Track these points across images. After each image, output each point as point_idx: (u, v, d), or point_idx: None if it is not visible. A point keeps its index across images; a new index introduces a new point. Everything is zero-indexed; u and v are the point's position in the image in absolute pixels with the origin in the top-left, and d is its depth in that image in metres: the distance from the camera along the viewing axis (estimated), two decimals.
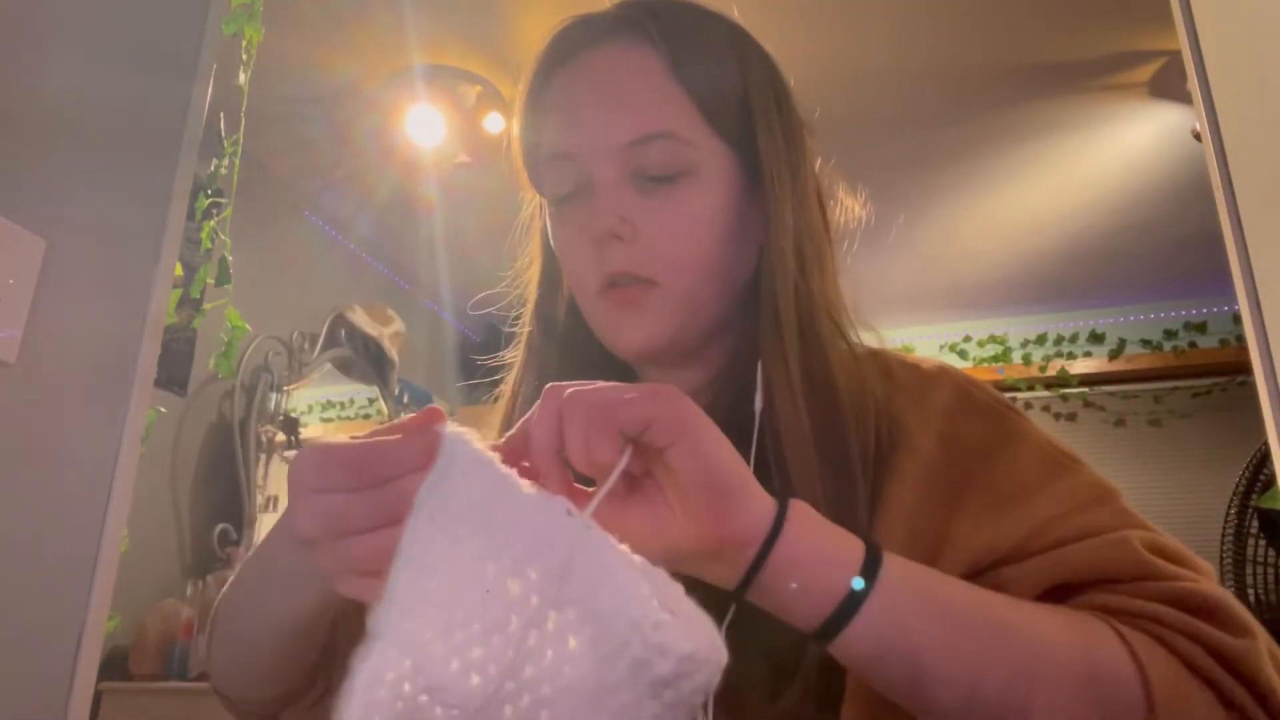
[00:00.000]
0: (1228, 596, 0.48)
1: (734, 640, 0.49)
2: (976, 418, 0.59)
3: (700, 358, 0.66)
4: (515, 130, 0.70)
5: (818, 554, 0.44)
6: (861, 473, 0.56)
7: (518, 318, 0.73)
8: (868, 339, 0.66)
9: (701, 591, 0.40)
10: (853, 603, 0.43)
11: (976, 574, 0.51)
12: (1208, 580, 0.50)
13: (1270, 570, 2.18)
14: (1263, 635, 0.47)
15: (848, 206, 0.72)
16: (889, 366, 0.63)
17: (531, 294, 0.72)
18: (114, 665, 2.20)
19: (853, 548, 0.45)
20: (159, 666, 2.24)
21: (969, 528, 0.52)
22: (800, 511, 0.45)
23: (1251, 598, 2.17)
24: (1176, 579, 0.49)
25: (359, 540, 0.40)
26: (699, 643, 0.35)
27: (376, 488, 0.40)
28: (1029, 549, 0.51)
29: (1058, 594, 0.51)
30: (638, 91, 0.62)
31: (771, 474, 0.55)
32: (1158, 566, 0.50)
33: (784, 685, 0.51)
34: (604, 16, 0.67)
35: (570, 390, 0.42)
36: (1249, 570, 2.18)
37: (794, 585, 0.43)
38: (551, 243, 0.69)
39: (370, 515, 0.40)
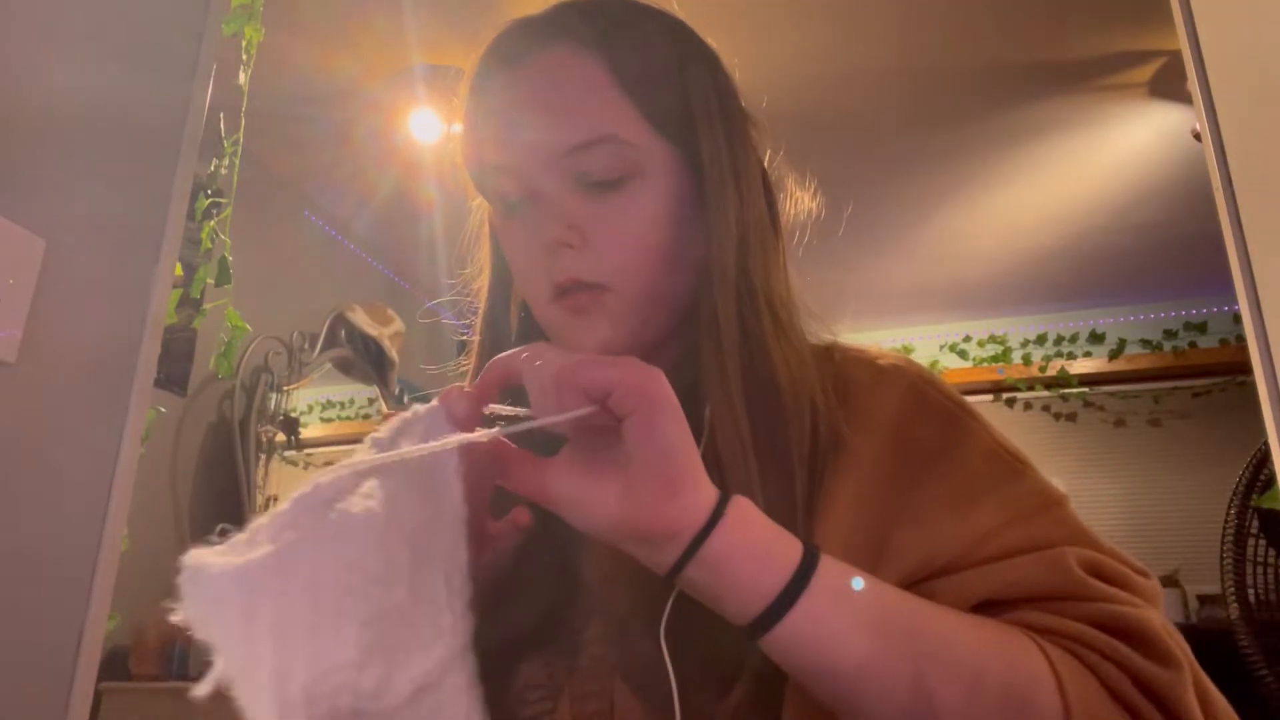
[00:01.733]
0: (1156, 623, 0.48)
1: (680, 639, 0.49)
2: (927, 419, 0.58)
3: (655, 360, 0.65)
4: (459, 140, 0.69)
5: (752, 551, 0.45)
6: (802, 475, 0.55)
7: (468, 326, 0.73)
8: (823, 333, 0.65)
9: (646, 584, 0.42)
10: (781, 605, 0.44)
11: (912, 584, 0.51)
12: (1146, 604, 0.49)
13: (1270, 570, 2.18)
14: (1189, 667, 0.47)
15: (797, 199, 0.71)
16: (842, 363, 0.62)
17: (482, 301, 0.71)
18: (114, 665, 2.20)
19: (790, 549, 0.46)
20: (159, 666, 2.24)
21: (909, 537, 0.52)
22: (741, 508, 0.46)
23: (1251, 598, 2.17)
24: (1109, 600, 0.49)
25: None
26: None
27: None
28: (964, 562, 0.51)
29: (989, 608, 0.50)
30: (577, 97, 0.61)
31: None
32: (1090, 587, 0.49)
33: (731, 684, 0.51)
34: (540, 19, 0.66)
35: (550, 346, 0.47)
36: (1249, 570, 2.18)
37: (724, 580, 0.44)
38: (502, 250, 0.68)
39: None
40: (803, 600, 0.44)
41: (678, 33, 0.67)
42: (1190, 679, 0.46)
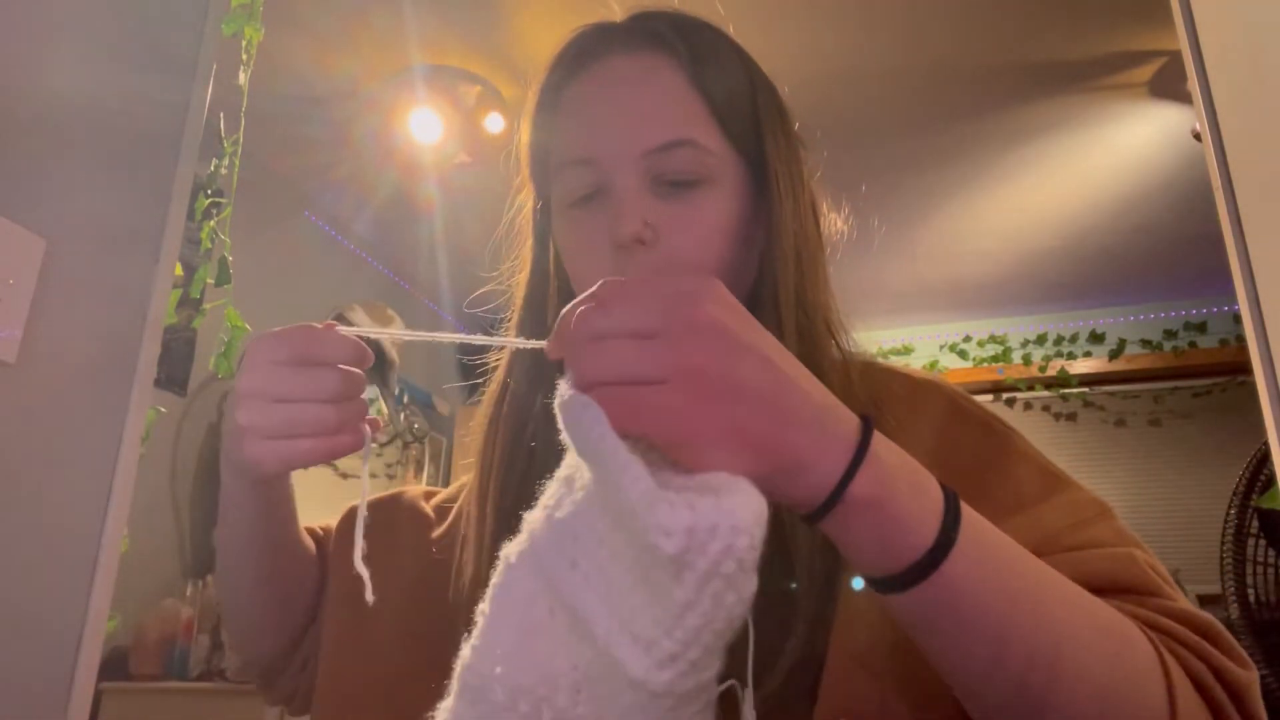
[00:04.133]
0: (1222, 625, 0.48)
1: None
2: (968, 429, 0.59)
3: None
4: (525, 133, 0.70)
5: (909, 481, 0.41)
6: None
7: (506, 319, 0.73)
8: (863, 346, 0.67)
9: None
10: (940, 548, 0.39)
11: None
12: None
13: (1270, 570, 2.18)
14: (1255, 672, 0.48)
15: (831, 219, 0.74)
16: (881, 377, 0.64)
17: (519, 297, 0.72)
18: (114, 665, 2.20)
19: (932, 481, 0.42)
20: (159, 666, 2.24)
21: None
22: (879, 436, 0.41)
23: (1251, 598, 2.17)
24: (1176, 600, 0.50)
25: (281, 407, 0.51)
26: (701, 514, 0.34)
27: (310, 367, 0.51)
28: (1039, 554, 0.51)
29: None
30: (660, 99, 0.63)
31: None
32: (1162, 585, 0.50)
33: (764, 673, 0.50)
34: (619, 26, 0.68)
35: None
36: (1249, 570, 2.18)
37: (885, 515, 0.39)
38: (559, 246, 0.69)
39: (296, 388, 0.51)
40: (955, 550, 0.40)
41: (743, 52, 0.70)
42: (1257, 683, 0.47)
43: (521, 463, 0.65)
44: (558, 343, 0.41)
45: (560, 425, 0.39)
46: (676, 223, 0.61)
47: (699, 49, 0.65)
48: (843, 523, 0.39)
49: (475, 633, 0.41)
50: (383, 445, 3.78)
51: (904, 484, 0.40)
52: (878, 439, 0.40)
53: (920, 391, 0.62)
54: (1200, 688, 0.45)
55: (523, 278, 0.72)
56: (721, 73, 0.65)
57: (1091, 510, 0.54)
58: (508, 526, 0.49)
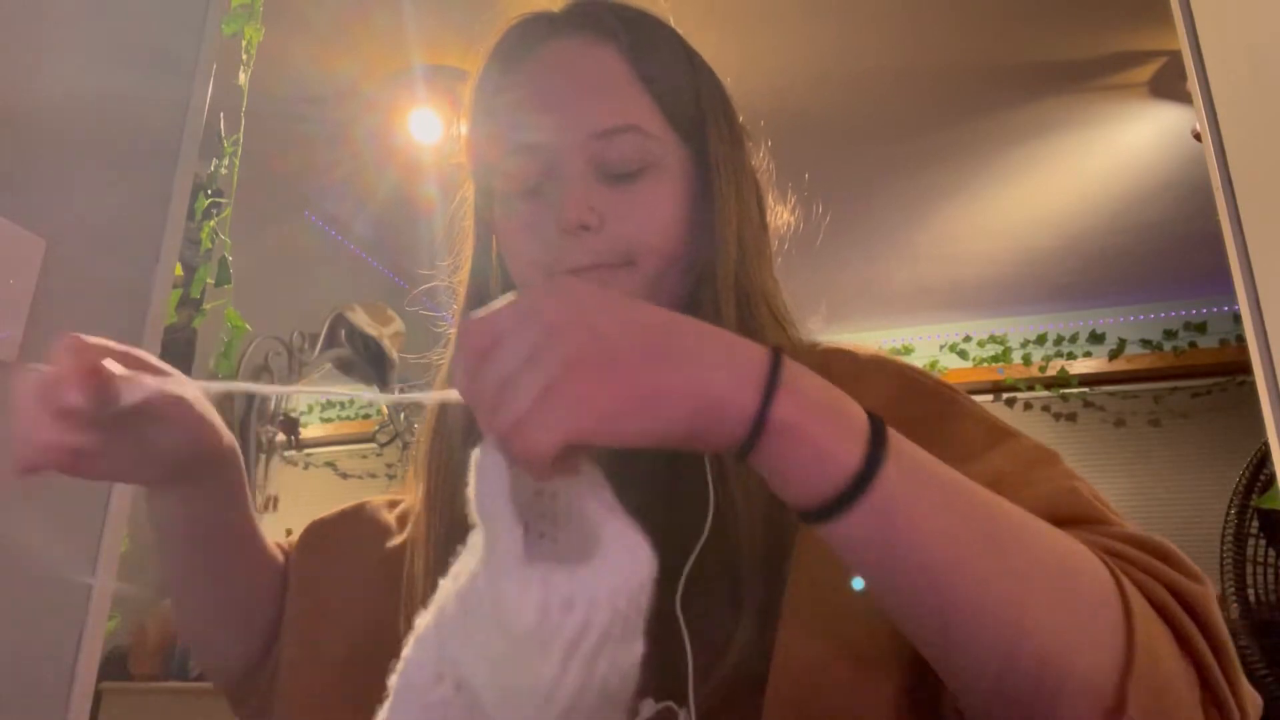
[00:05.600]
0: (1174, 545, 0.48)
1: (666, 623, 0.48)
2: (916, 396, 0.59)
3: None
4: (466, 125, 0.70)
5: (828, 407, 0.41)
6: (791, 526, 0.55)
7: (450, 319, 0.73)
8: (807, 333, 0.67)
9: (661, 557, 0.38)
10: (866, 474, 0.39)
11: None
12: None
13: (1270, 570, 2.18)
14: (1211, 585, 0.47)
15: (778, 212, 0.73)
16: (825, 357, 0.64)
17: (461, 295, 0.71)
18: (114, 665, 2.20)
19: (855, 406, 0.42)
20: (159, 666, 2.24)
21: None
22: (790, 362, 0.41)
23: (1251, 598, 2.17)
24: (1124, 526, 0.50)
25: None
26: (553, 588, 0.35)
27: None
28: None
29: None
30: (604, 84, 0.63)
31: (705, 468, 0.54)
32: (1108, 514, 0.51)
33: (715, 665, 0.50)
34: (560, 14, 0.68)
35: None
36: (1249, 570, 2.18)
37: (803, 446, 0.39)
38: (501, 238, 0.68)
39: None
40: (886, 467, 0.39)
41: (685, 42, 0.69)
42: (1214, 595, 0.46)
43: (464, 467, 0.65)
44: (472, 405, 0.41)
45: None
46: (621, 210, 0.61)
47: (639, 37, 0.65)
48: (769, 453, 0.40)
49: (383, 710, 0.40)
50: (383, 445, 3.78)
51: (826, 409, 0.41)
52: (793, 366, 0.41)
53: (867, 369, 0.62)
54: (1157, 606, 0.45)
55: (464, 275, 0.71)
56: (663, 61, 0.65)
57: (1039, 454, 0.55)
58: (457, 536, 0.48)
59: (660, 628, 0.44)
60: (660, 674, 0.49)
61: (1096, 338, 3.99)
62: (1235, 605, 2.16)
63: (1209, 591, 0.46)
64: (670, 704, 0.43)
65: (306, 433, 3.01)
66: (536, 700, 0.35)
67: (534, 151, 0.63)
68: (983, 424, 0.57)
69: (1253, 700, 0.45)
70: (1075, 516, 0.50)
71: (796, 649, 0.50)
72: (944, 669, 0.44)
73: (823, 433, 0.40)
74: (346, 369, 3.12)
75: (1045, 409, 4.03)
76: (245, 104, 1.32)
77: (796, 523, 0.55)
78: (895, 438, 0.41)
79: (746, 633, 0.51)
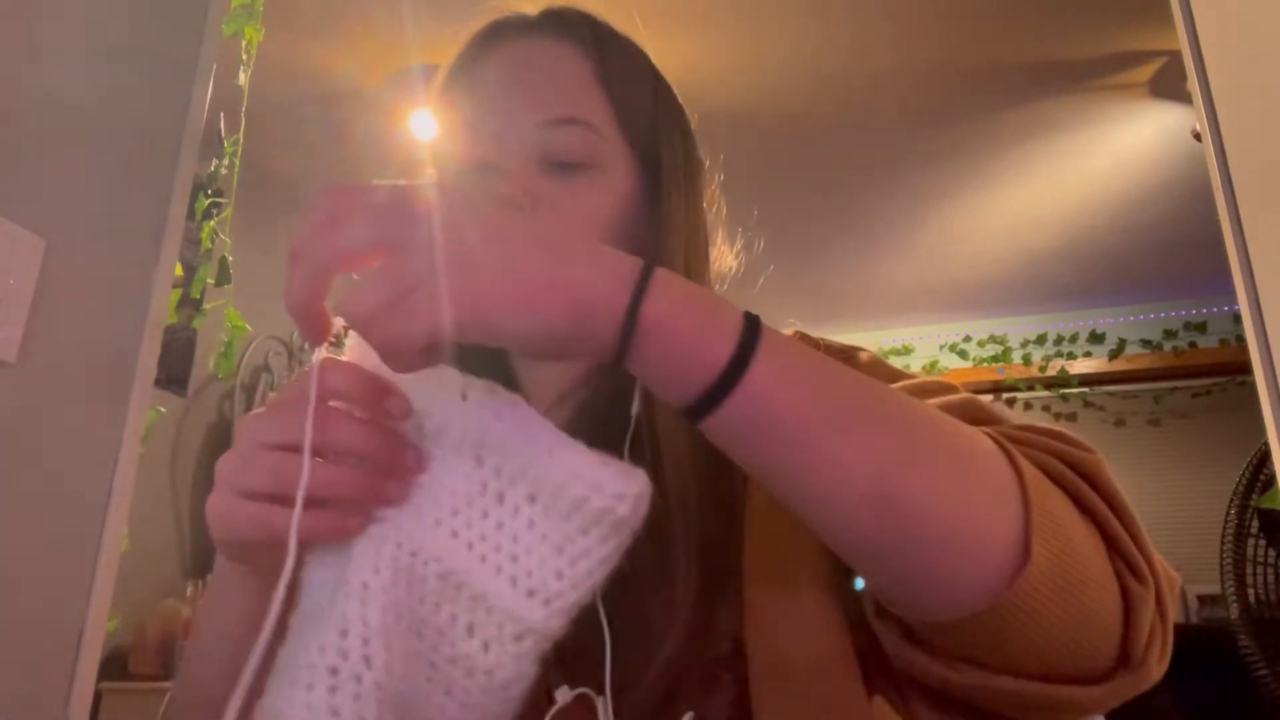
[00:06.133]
0: (1064, 429, 0.49)
1: (609, 608, 0.49)
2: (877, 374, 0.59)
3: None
4: (431, 108, 0.71)
5: (699, 308, 0.41)
6: (740, 480, 0.57)
7: None
8: None
9: None
10: (735, 369, 0.40)
11: None
12: None
13: (1270, 570, 2.18)
14: (1100, 454, 0.48)
15: (723, 253, 0.73)
16: None
17: None
18: (114, 665, 2.20)
19: (729, 310, 0.42)
20: (159, 666, 2.24)
21: None
22: (662, 272, 0.42)
23: (1251, 598, 2.17)
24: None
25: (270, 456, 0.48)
26: (638, 482, 0.43)
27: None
28: None
29: None
30: (564, 77, 0.65)
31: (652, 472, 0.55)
32: (1006, 416, 0.52)
33: (657, 649, 0.51)
34: (538, 16, 0.70)
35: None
36: (1249, 570, 2.18)
37: (674, 346, 0.40)
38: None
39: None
40: (758, 361, 0.40)
41: (654, 69, 0.71)
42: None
43: None
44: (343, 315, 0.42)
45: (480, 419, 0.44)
46: (554, 198, 0.62)
47: (608, 46, 0.67)
48: (643, 352, 0.40)
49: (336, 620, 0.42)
50: None
51: (698, 306, 0.41)
52: (665, 273, 0.41)
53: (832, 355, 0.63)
54: (1053, 476, 0.45)
55: None
56: (626, 71, 0.67)
57: (946, 388, 0.55)
58: None
59: (585, 615, 0.45)
60: (580, 662, 0.49)
61: (1096, 338, 3.99)
62: (1235, 605, 2.16)
63: (1101, 459, 0.47)
64: (587, 690, 0.43)
65: None
66: (557, 569, 0.44)
67: (486, 131, 0.64)
68: (919, 379, 0.58)
69: (1165, 571, 0.45)
70: (974, 419, 0.49)
71: (766, 609, 0.52)
72: (821, 531, 0.44)
73: (694, 328, 0.40)
74: None
75: (1045, 409, 4.03)
76: (245, 104, 1.32)
77: (743, 499, 0.57)
78: (772, 333, 0.42)
79: (686, 611, 0.52)
